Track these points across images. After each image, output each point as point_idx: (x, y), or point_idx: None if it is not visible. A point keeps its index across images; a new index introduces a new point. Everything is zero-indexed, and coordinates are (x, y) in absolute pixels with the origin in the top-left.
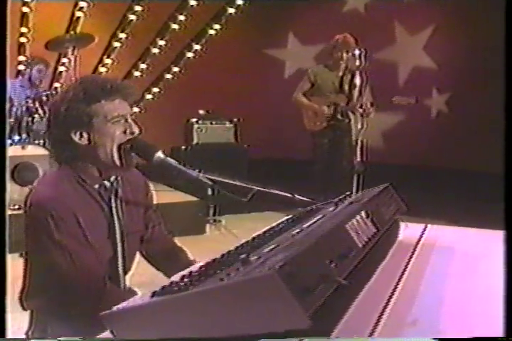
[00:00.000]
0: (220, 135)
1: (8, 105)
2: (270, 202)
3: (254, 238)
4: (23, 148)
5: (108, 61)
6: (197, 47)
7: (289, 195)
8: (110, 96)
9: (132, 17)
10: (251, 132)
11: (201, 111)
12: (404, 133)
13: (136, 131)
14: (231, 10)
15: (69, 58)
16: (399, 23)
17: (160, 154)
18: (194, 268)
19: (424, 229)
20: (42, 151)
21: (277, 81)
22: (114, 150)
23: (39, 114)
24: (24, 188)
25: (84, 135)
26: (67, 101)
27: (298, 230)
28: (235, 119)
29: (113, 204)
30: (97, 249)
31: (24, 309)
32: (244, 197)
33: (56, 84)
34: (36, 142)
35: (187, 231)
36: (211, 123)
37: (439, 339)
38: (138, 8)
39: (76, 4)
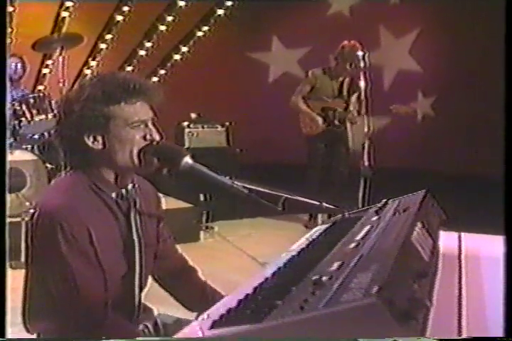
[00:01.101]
0: (211, 139)
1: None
2: (298, 209)
3: (299, 252)
4: (10, 153)
5: (93, 63)
6: (184, 49)
7: (316, 203)
8: (132, 98)
9: (119, 18)
10: (241, 136)
11: (193, 115)
12: (390, 136)
13: (157, 137)
14: (220, 11)
15: (53, 60)
16: (384, 26)
17: (188, 159)
18: (248, 290)
19: (460, 239)
20: (29, 156)
21: (262, 85)
22: (135, 154)
23: (26, 118)
24: (11, 195)
25: (99, 138)
26: (83, 100)
27: (354, 244)
28: (227, 123)
29: (132, 216)
30: (106, 270)
31: (29, 332)
32: (276, 205)
33: (40, 87)
34: (24, 147)
35: (181, 238)
36: (203, 127)
37: (439, 339)
38: (125, 8)
39: (62, 4)
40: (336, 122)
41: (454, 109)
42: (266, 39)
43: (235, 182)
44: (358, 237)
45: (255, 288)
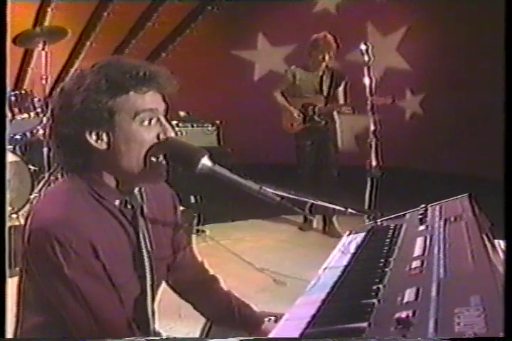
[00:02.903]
0: (201, 138)
1: None
2: (324, 213)
3: (344, 271)
4: None
5: (77, 60)
6: (170, 46)
7: (342, 209)
8: (142, 86)
9: (104, 14)
10: (230, 135)
11: (182, 113)
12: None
13: (173, 136)
14: (208, 8)
15: (35, 56)
16: (371, 23)
17: (206, 161)
18: (299, 322)
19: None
20: (11, 157)
21: (247, 83)
22: (141, 158)
23: (6, 117)
24: None
25: (104, 136)
26: (83, 90)
27: (417, 262)
28: (218, 122)
29: (139, 226)
30: (119, 288)
31: None
32: (304, 210)
33: (20, 85)
34: None
35: None
36: (192, 126)
37: (439, 339)
38: (110, 4)
39: None
40: (316, 118)
41: (443, 106)
42: (251, 36)
43: (263, 187)
44: (417, 253)
45: (309, 323)
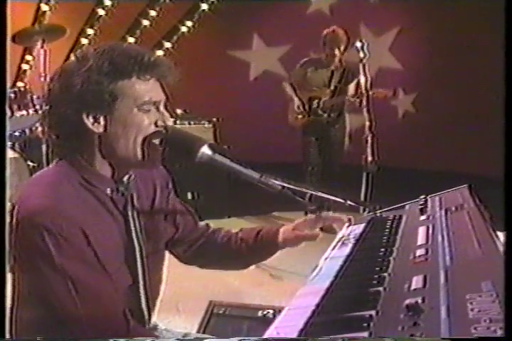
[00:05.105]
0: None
1: None
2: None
3: (345, 261)
4: None
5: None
6: (168, 45)
7: (341, 201)
8: (145, 73)
9: (101, 12)
10: (226, 133)
11: (179, 111)
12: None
13: (170, 123)
14: (204, 6)
15: (33, 56)
16: (364, 24)
17: (206, 149)
18: (304, 311)
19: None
20: (10, 154)
21: (243, 83)
22: (138, 143)
23: (6, 115)
24: None
25: (101, 120)
26: (85, 71)
27: (421, 251)
28: (214, 119)
29: (130, 215)
30: (112, 276)
31: None
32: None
33: (20, 84)
34: None
35: None
36: (189, 124)
37: (439, 339)
38: (107, 2)
39: None
40: (319, 111)
41: (435, 105)
42: (246, 37)
43: (264, 176)
44: (420, 242)
45: (314, 312)
